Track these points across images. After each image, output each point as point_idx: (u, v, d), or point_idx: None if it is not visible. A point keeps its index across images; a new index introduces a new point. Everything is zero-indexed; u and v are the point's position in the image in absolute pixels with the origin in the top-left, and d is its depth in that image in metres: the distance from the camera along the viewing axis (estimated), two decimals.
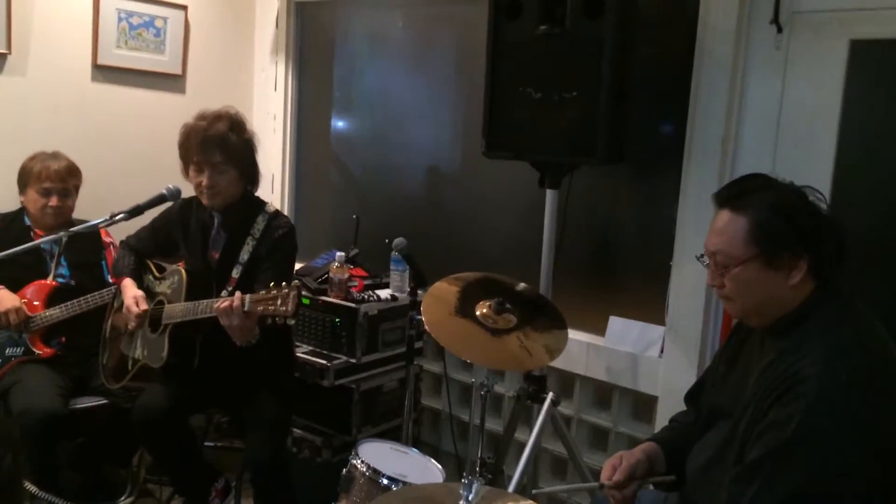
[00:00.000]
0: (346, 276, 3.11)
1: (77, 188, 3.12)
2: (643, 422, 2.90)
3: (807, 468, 1.46)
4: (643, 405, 2.90)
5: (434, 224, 3.56)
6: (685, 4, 2.64)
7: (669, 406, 2.59)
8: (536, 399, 2.64)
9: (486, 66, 2.55)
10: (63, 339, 3.00)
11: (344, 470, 2.15)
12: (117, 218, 2.47)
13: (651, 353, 2.81)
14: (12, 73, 3.27)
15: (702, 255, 1.76)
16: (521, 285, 2.50)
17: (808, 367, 1.51)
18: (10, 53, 3.23)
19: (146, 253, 2.86)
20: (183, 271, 2.63)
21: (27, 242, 2.56)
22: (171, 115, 2.70)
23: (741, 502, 1.52)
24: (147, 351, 2.65)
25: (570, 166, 2.60)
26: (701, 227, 1.77)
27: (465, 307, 2.34)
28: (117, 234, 3.04)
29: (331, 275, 3.11)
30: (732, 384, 1.78)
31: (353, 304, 3.04)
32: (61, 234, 2.52)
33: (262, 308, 2.25)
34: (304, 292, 3.11)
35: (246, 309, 2.27)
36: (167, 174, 2.72)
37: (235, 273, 2.60)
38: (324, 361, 3.02)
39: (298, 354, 3.05)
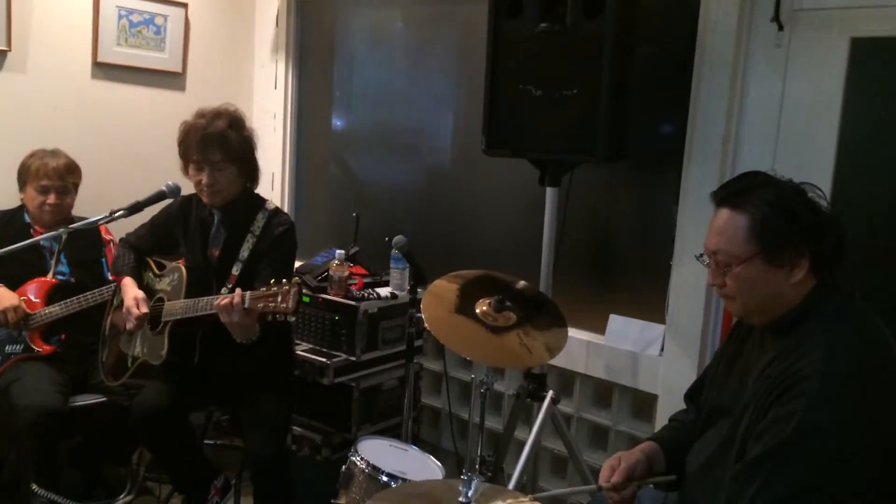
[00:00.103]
0: (346, 273, 3.11)
1: (76, 186, 3.12)
2: (643, 420, 2.90)
3: (807, 466, 1.46)
4: (643, 404, 2.89)
5: (434, 222, 3.56)
6: (686, 2, 2.64)
7: (669, 405, 2.59)
8: (536, 397, 2.64)
9: (486, 64, 2.55)
10: (63, 336, 2.99)
11: (343, 467, 2.15)
12: (117, 215, 2.48)
13: (651, 352, 2.80)
14: (12, 70, 3.26)
15: (701, 255, 1.75)
16: (521, 283, 2.50)
17: (808, 365, 1.51)
18: (9, 51, 3.23)
19: (146, 250, 2.85)
20: (183, 268, 2.63)
21: (27, 240, 2.56)
22: (171, 112, 2.69)
23: (741, 500, 1.52)
24: (147, 348, 2.65)
25: (570, 164, 2.60)
26: (701, 226, 1.77)
27: (464, 305, 2.34)
28: (117, 232, 3.04)
29: (331, 272, 3.11)
30: (732, 383, 1.78)
31: (352, 302, 3.04)
32: (61, 230, 2.52)
33: (262, 305, 2.24)
34: (304, 290, 3.10)
35: (246, 306, 2.27)
36: (167, 172, 2.72)
37: (235, 270, 2.60)
38: (324, 359, 3.02)
39: (298, 352, 3.05)
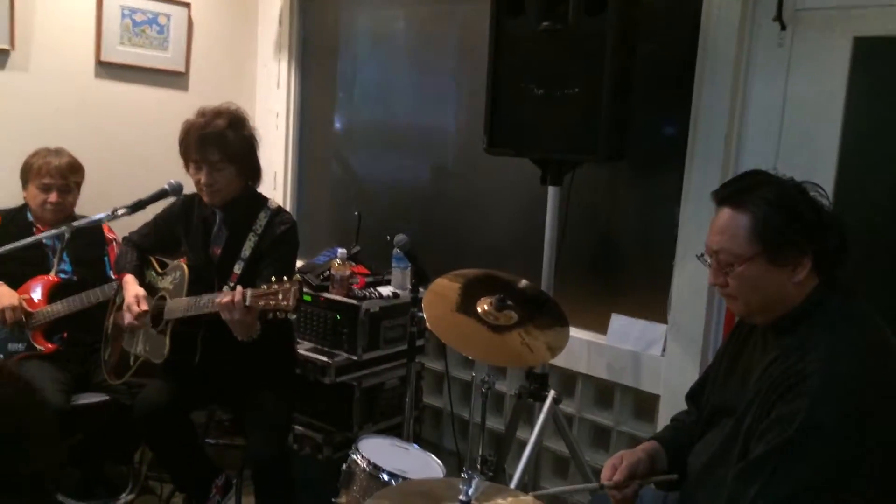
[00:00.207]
0: (348, 272, 3.11)
1: (78, 185, 3.12)
2: (645, 420, 2.89)
3: (810, 465, 1.45)
4: (645, 404, 2.89)
5: (436, 221, 3.56)
6: (688, 1, 2.63)
7: (671, 405, 2.58)
8: (538, 397, 2.63)
9: (487, 63, 2.55)
10: (65, 334, 3.00)
11: (344, 465, 2.15)
12: (119, 213, 2.48)
13: (653, 352, 2.80)
14: (15, 69, 3.27)
15: (702, 255, 1.75)
16: (523, 282, 2.50)
17: (812, 364, 1.50)
18: (13, 50, 3.23)
19: (148, 249, 2.85)
20: (184, 267, 2.63)
21: (29, 238, 2.56)
22: (175, 112, 2.69)
23: (744, 500, 1.51)
24: (149, 347, 2.65)
25: (571, 163, 2.60)
26: (704, 225, 1.76)
27: (466, 304, 2.34)
28: (120, 230, 3.05)
29: (332, 272, 3.11)
30: (734, 382, 1.77)
31: (354, 301, 3.03)
32: (63, 228, 2.53)
33: (262, 303, 2.25)
34: (305, 289, 3.10)
35: (247, 304, 2.27)
36: (171, 171, 2.71)
37: (237, 269, 2.60)
38: (325, 358, 3.02)
39: (300, 351, 3.05)
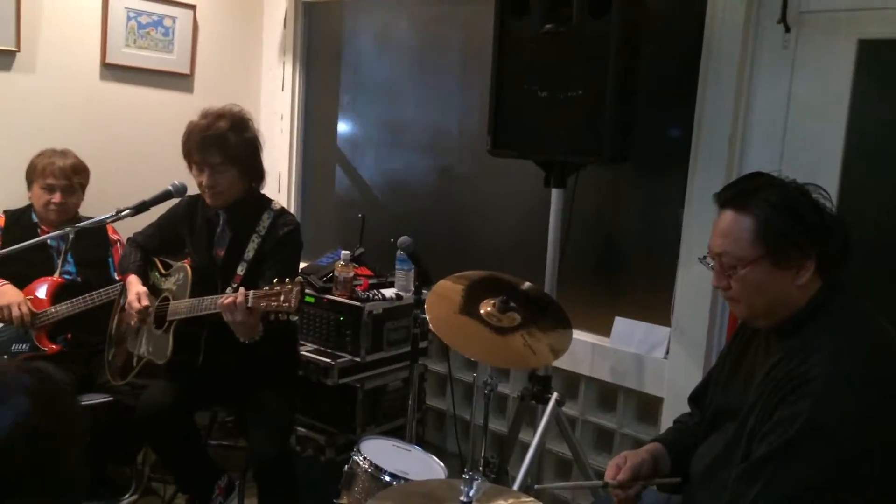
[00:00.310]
0: (351, 274, 3.11)
1: (83, 186, 3.13)
2: (648, 423, 2.88)
3: (811, 467, 1.45)
4: (648, 406, 2.88)
5: (440, 223, 3.56)
6: (692, 3, 2.63)
7: (675, 407, 2.57)
8: (541, 399, 2.63)
9: (491, 65, 2.55)
10: (69, 335, 3.00)
11: (346, 467, 2.15)
12: (123, 214, 2.49)
13: (656, 354, 2.79)
14: (21, 70, 3.28)
15: (705, 257, 1.74)
16: (526, 284, 2.50)
17: (815, 366, 1.50)
18: (19, 51, 3.24)
19: (152, 250, 2.86)
20: (188, 268, 2.64)
21: (34, 239, 2.57)
22: (179, 114, 2.70)
23: (744, 500, 1.51)
24: (152, 347, 2.66)
25: (575, 165, 2.60)
26: (707, 228, 1.75)
27: (469, 306, 2.34)
28: (124, 231, 3.06)
29: (336, 273, 3.11)
30: (737, 385, 1.77)
31: (357, 303, 3.04)
32: (67, 229, 2.54)
33: (264, 304, 2.25)
34: (309, 291, 3.11)
35: (249, 305, 2.27)
36: (176, 173, 2.72)
37: (240, 270, 2.60)
38: (328, 360, 3.02)
39: (303, 353, 3.05)
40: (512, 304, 2.32)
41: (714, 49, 2.55)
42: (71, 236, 2.62)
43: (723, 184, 2.22)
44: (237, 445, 3.43)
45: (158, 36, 3.67)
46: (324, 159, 4.09)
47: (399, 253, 3.13)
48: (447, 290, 2.38)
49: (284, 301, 2.20)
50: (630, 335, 2.87)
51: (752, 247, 1.60)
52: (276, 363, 2.69)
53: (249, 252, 2.61)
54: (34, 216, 3.07)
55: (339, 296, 3.09)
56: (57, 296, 2.97)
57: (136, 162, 3.61)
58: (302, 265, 3.09)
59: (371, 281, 3.26)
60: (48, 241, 2.98)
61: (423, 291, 2.59)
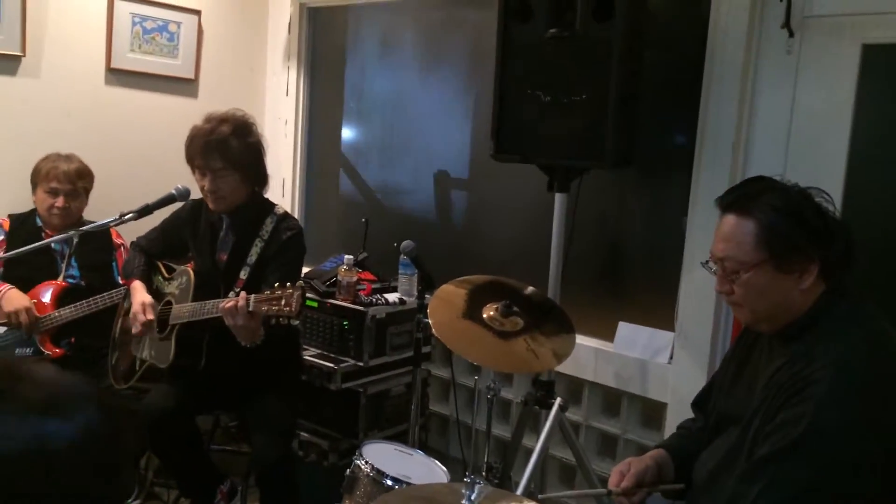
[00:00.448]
0: (355, 279, 3.11)
1: (87, 191, 3.14)
2: (652, 429, 2.87)
3: (812, 468, 1.45)
4: (652, 412, 2.87)
5: (443, 228, 3.56)
6: (696, 8, 2.63)
7: (679, 413, 2.56)
8: (544, 404, 2.62)
9: (495, 69, 2.55)
10: (73, 339, 3.01)
11: (348, 471, 2.14)
12: (126, 217, 2.49)
13: (660, 360, 2.78)
14: (26, 75, 3.29)
15: (707, 262, 1.74)
16: (530, 289, 2.49)
17: (819, 370, 1.50)
18: (24, 56, 3.25)
19: (156, 254, 2.86)
20: (191, 272, 2.64)
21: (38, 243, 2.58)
22: (184, 119, 2.70)
23: (745, 500, 1.50)
24: (154, 351, 2.66)
25: (578, 170, 2.59)
26: (711, 233, 1.75)
27: (472, 310, 2.33)
28: (129, 236, 3.06)
29: (339, 278, 3.11)
30: (740, 390, 1.76)
31: (361, 308, 3.03)
32: (71, 233, 2.55)
33: (265, 308, 2.25)
34: (312, 295, 3.11)
35: (250, 309, 2.27)
36: (181, 178, 2.72)
37: (243, 274, 2.60)
38: (331, 364, 3.01)
39: (306, 357, 3.04)
40: (515, 309, 2.31)
41: (717, 54, 2.55)
42: (75, 240, 2.63)
43: (726, 189, 2.23)
44: (240, 450, 3.43)
45: (163, 41, 3.69)
46: (328, 164, 4.10)
47: (402, 257, 3.13)
48: (450, 295, 2.38)
49: (286, 305, 2.20)
50: (634, 340, 2.86)
51: (755, 251, 1.60)
52: (278, 367, 2.68)
53: (252, 256, 2.61)
54: (38, 220, 3.08)
55: (342, 300, 3.09)
56: (61, 300, 2.98)
57: (141, 166, 3.62)
58: (305, 270, 3.09)
59: (374, 286, 3.26)
60: (52, 245, 2.98)
61: (426, 296, 2.58)
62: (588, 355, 2.92)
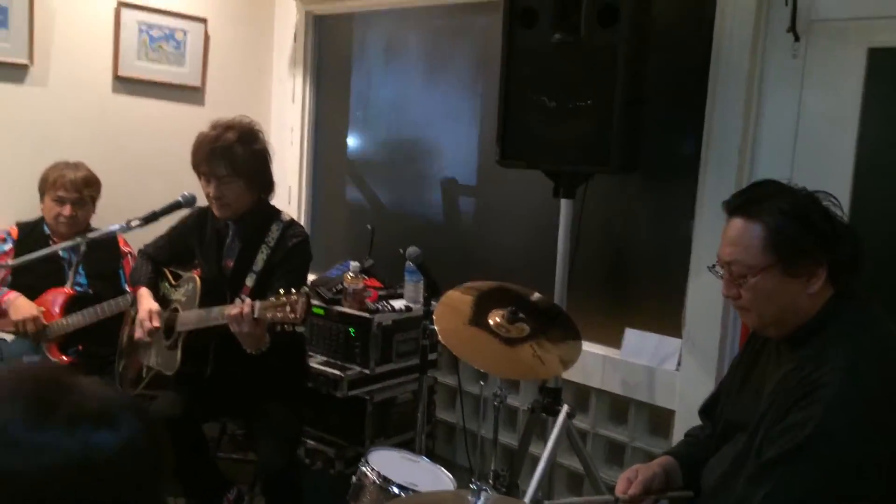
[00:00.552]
0: (361, 286, 3.10)
1: (94, 199, 3.15)
2: (660, 436, 2.85)
3: (820, 471, 1.44)
4: (660, 419, 2.85)
5: (449, 235, 3.56)
6: (701, 12, 2.63)
7: (687, 420, 2.54)
8: (551, 412, 2.60)
9: (500, 75, 2.55)
10: (80, 347, 3.01)
11: (354, 478, 2.13)
12: (133, 225, 2.50)
13: (668, 366, 2.77)
14: (34, 83, 3.31)
15: (714, 266, 1.72)
16: (536, 295, 2.48)
17: (827, 373, 1.49)
18: (32, 64, 3.27)
19: (163, 261, 2.87)
20: (197, 279, 2.64)
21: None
22: (191, 126, 2.71)
23: (753, 502, 1.49)
24: (161, 358, 2.66)
25: (584, 175, 2.58)
26: (718, 238, 1.74)
27: (478, 317, 2.32)
28: (135, 243, 3.07)
29: (345, 285, 3.10)
30: (748, 396, 1.75)
31: (367, 315, 3.03)
32: (78, 240, 2.55)
33: (270, 315, 2.24)
34: (318, 302, 3.11)
35: (256, 315, 2.27)
36: (187, 185, 2.73)
37: (249, 281, 2.60)
38: (337, 372, 3.01)
39: (312, 364, 3.04)
40: (521, 315, 2.30)
41: (723, 58, 2.54)
42: (82, 248, 2.63)
43: (733, 193, 2.22)
44: (246, 458, 3.43)
45: (170, 49, 3.70)
46: (334, 171, 4.10)
47: (408, 264, 3.12)
48: (456, 301, 2.37)
49: (291, 312, 2.20)
50: (641, 347, 2.84)
51: (763, 255, 1.58)
52: (284, 374, 2.68)
53: (258, 263, 2.61)
54: (46, 228, 3.09)
55: (348, 307, 3.09)
56: (69, 308, 2.98)
57: (149, 174, 3.63)
58: (311, 277, 3.09)
59: (380, 292, 3.25)
60: (60, 254, 2.99)
61: (432, 302, 2.58)
62: (595, 362, 2.91)
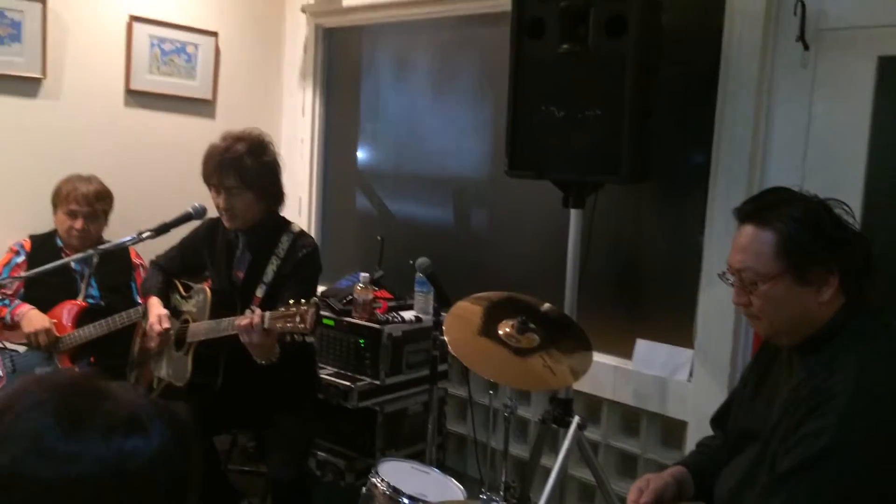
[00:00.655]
0: (371, 297, 3.11)
1: (106, 213, 3.16)
2: (673, 448, 2.83)
3: (836, 481, 1.42)
4: (672, 430, 2.83)
5: (459, 246, 3.55)
6: (710, 22, 2.62)
7: (699, 431, 2.52)
8: (562, 423, 2.59)
9: (508, 86, 2.55)
10: (92, 359, 3.02)
11: (364, 489, 2.13)
12: (144, 236, 2.51)
13: (680, 377, 2.75)
14: (47, 97, 3.34)
15: (724, 273, 1.71)
16: (546, 305, 2.48)
17: (840, 382, 1.47)
18: (45, 78, 3.30)
19: (174, 272, 2.88)
20: (207, 290, 2.65)
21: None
22: (202, 139, 2.72)
23: None
24: (172, 370, 2.66)
25: (593, 185, 2.58)
26: (729, 247, 1.73)
27: (488, 327, 2.32)
28: (146, 254, 3.08)
29: (355, 296, 3.10)
30: (760, 406, 1.73)
31: (377, 325, 3.03)
32: (90, 252, 2.56)
33: (280, 325, 2.25)
34: (328, 313, 3.11)
35: (265, 326, 2.27)
36: (198, 198, 2.74)
37: (260, 292, 2.61)
38: (348, 383, 3.00)
39: (322, 376, 3.04)
40: (531, 325, 2.30)
41: (732, 68, 2.54)
42: (95, 260, 2.63)
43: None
44: (257, 471, 3.42)
45: (181, 62, 3.73)
46: (344, 183, 4.11)
47: (418, 275, 3.13)
48: (466, 311, 2.36)
49: (300, 322, 2.20)
50: (652, 357, 2.83)
51: (774, 262, 1.57)
52: (294, 385, 2.68)
53: (268, 274, 2.61)
54: (58, 241, 3.11)
55: (358, 318, 3.09)
56: (81, 320, 2.99)
57: (160, 187, 3.65)
58: (322, 288, 3.09)
59: (390, 304, 3.25)
60: (72, 266, 3.01)
61: (442, 313, 2.57)
62: (606, 373, 2.89)
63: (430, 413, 2.69)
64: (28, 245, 3.11)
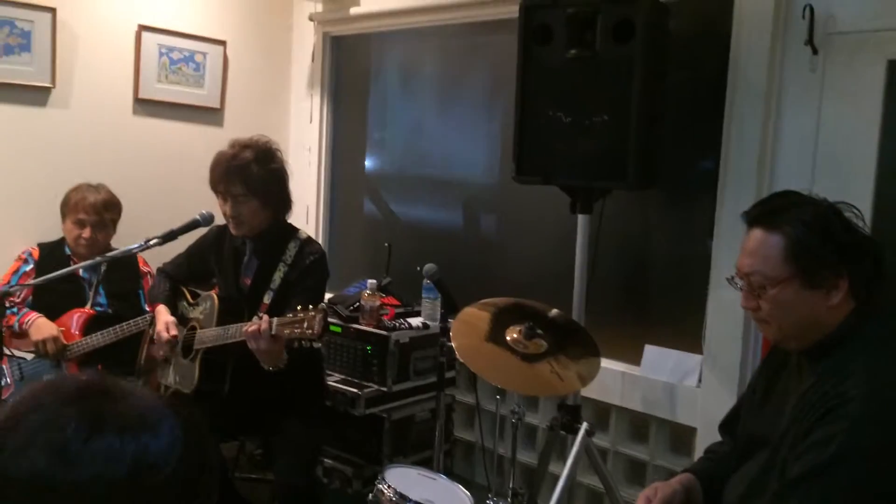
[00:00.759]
0: (378, 303, 3.10)
1: (114, 222, 3.17)
2: (682, 454, 2.81)
3: (845, 488, 1.41)
4: (682, 437, 2.81)
5: (467, 252, 3.55)
6: (718, 26, 2.62)
7: (709, 437, 2.50)
8: (570, 429, 2.58)
9: (515, 91, 2.55)
10: (99, 367, 3.02)
11: (370, 495, 2.12)
12: (151, 243, 2.51)
13: (689, 383, 2.73)
14: (56, 106, 3.36)
15: (733, 277, 1.70)
16: (553, 311, 2.47)
17: (851, 388, 1.46)
18: (54, 87, 3.32)
19: (181, 279, 2.88)
20: (215, 297, 2.65)
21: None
22: (210, 147, 2.72)
23: None
24: (179, 377, 2.66)
25: (600, 191, 2.58)
26: (738, 252, 1.72)
27: (495, 333, 2.31)
28: (154, 262, 3.08)
29: (363, 302, 3.10)
30: (770, 412, 1.72)
31: (384, 332, 3.02)
32: (98, 259, 2.57)
33: (287, 331, 2.24)
34: (335, 320, 3.11)
35: (273, 332, 2.27)
36: (206, 205, 2.73)
37: (267, 299, 2.60)
38: (355, 390, 3.00)
39: (330, 383, 3.03)
40: (538, 331, 2.29)
41: (740, 72, 2.53)
42: (103, 268, 2.64)
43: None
44: (265, 478, 3.41)
45: (190, 71, 3.75)
46: (351, 190, 4.12)
47: (425, 282, 3.12)
48: (473, 317, 2.36)
49: (308, 328, 2.20)
50: (661, 363, 2.81)
51: (783, 266, 1.56)
52: (301, 392, 2.67)
53: (275, 281, 2.61)
54: (67, 249, 3.12)
55: (365, 325, 3.09)
56: (88, 328, 3.00)
57: (169, 195, 3.66)
58: (329, 295, 3.09)
59: (398, 310, 3.25)
60: (80, 274, 3.02)
61: (449, 319, 2.56)
62: (614, 379, 2.88)
63: (438, 420, 2.68)
64: (36, 253, 3.12)
